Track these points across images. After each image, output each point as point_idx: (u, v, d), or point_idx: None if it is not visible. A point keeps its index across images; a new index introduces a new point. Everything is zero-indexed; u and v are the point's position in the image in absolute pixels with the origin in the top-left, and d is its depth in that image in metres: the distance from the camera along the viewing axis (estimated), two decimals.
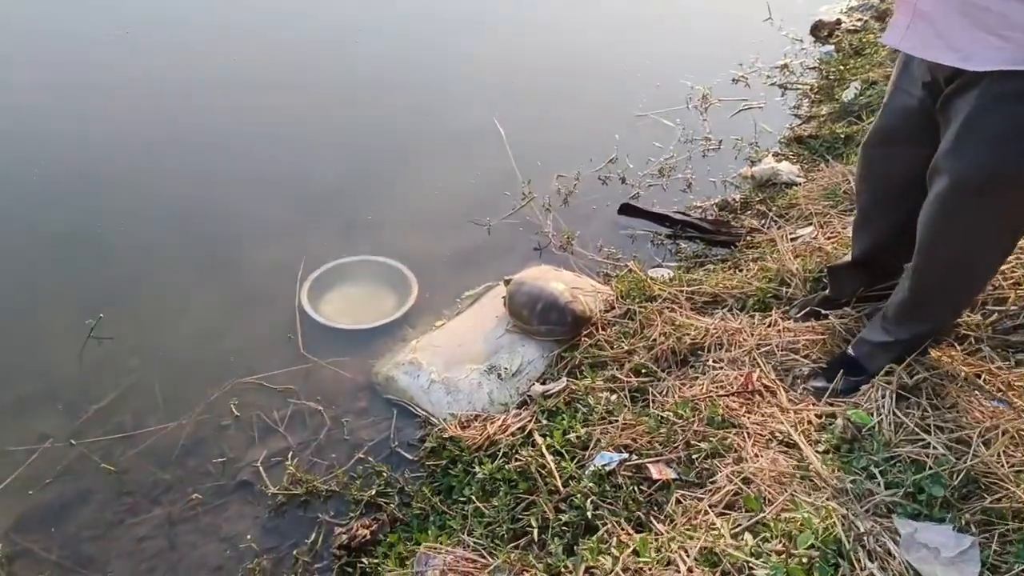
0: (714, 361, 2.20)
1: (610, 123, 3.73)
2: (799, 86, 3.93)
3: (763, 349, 2.19)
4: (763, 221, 3.02)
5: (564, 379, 2.27)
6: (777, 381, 2.08)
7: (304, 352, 2.58)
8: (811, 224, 2.85)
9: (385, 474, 2.17)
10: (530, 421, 2.16)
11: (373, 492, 2.11)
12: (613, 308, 2.56)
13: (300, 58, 4.34)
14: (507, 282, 2.59)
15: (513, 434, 2.13)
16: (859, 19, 4.41)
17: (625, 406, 2.12)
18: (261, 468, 2.22)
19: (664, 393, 2.14)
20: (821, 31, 4.37)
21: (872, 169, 1.87)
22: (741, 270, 2.68)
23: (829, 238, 2.63)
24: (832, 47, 4.16)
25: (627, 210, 3.16)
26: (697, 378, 2.17)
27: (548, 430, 2.11)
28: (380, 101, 3.94)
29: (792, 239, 2.79)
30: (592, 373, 2.28)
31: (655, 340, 2.29)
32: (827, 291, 2.27)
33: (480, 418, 2.24)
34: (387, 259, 2.94)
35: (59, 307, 2.74)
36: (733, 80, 4.04)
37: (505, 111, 3.75)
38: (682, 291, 2.52)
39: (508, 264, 2.95)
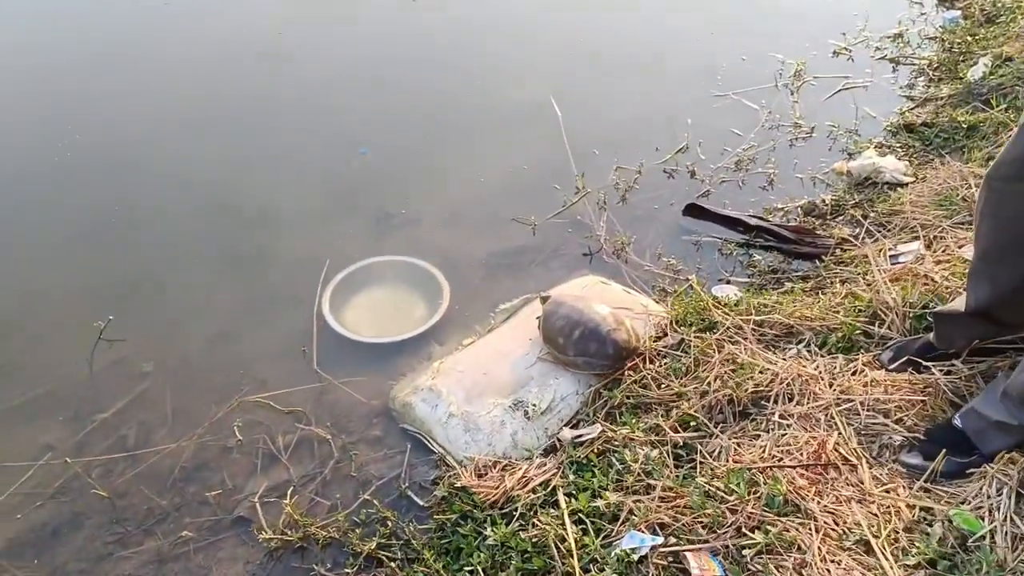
0: (781, 416, 1.85)
1: (683, 104, 3.32)
2: (915, 61, 3.38)
3: (844, 406, 1.82)
4: (857, 230, 2.58)
5: (599, 426, 1.97)
6: (859, 451, 1.72)
7: (317, 369, 2.37)
8: (917, 239, 2.40)
9: (391, 522, 1.95)
10: (555, 475, 1.88)
11: (374, 545, 1.89)
12: (665, 335, 2.23)
13: (341, 28, 4.08)
14: (544, 299, 2.29)
15: (534, 490, 1.86)
16: None
17: (666, 467, 1.81)
18: (258, 505, 2.04)
19: (715, 454, 1.81)
20: None
21: (1001, 208, 1.46)
22: (824, 294, 2.28)
23: (939, 261, 2.19)
24: (959, 12, 3.56)
25: (693, 211, 2.78)
26: (758, 436, 1.83)
27: (574, 489, 1.82)
28: (422, 76, 3.65)
29: (892, 257, 2.35)
30: (632, 418, 1.97)
31: (709, 384, 1.95)
32: (931, 336, 1.86)
33: (499, 465, 1.98)
34: (419, 261, 2.69)
35: (71, 302, 2.64)
36: (833, 53, 3.53)
37: (563, 87, 3.40)
38: (748, 320, 2.16)
39: (553, 272, 2.65)
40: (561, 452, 1.97)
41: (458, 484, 1.94)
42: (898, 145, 2.94)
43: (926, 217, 2.46)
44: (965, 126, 2.84)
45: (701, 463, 1.79)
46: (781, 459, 1.73)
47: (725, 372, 1.99)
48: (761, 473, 1.70)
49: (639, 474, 1.80)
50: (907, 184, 2.72)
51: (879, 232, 2.52)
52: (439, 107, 3.46)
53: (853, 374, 1.91)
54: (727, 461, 1.78)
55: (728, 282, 2.52)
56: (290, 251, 2.80)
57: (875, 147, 2.92)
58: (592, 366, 2.12)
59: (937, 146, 2.87)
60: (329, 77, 3.70)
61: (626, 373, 2.13)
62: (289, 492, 2.05)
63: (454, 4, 4.28)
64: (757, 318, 2.17)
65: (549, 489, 1.85)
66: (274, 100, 3.56)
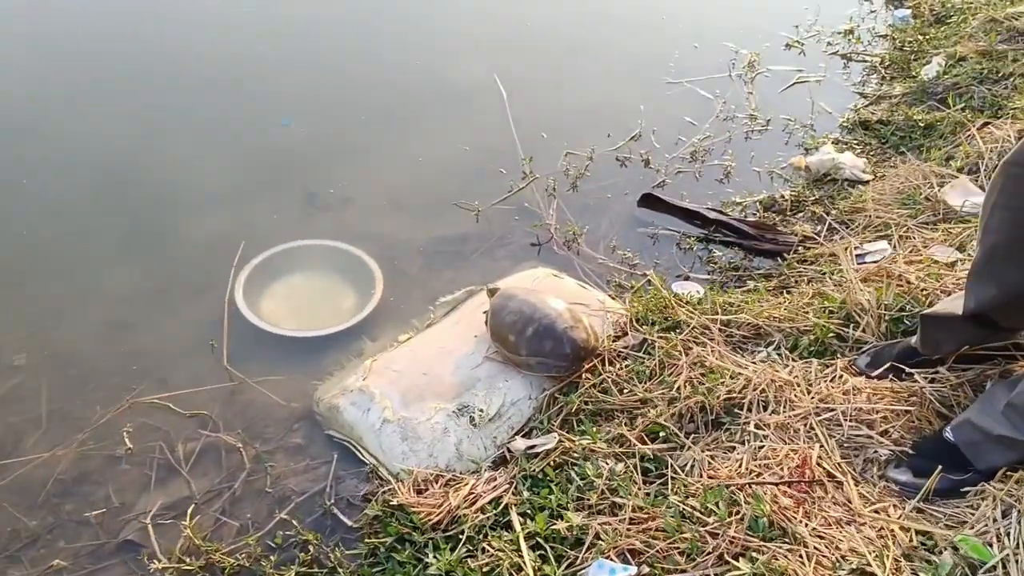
0: (757, 426, 1.70)
1: (635, 90, 3.16)
2: (866, 57, 3.33)
3: (824, 416, 1.68)
4: (819, 228, 2.48)
5: (556, 434, 1.76)
6: (844, 466, 1.57)
7: (228, 366, 2.07)
8: (883, 238, 2.30)
9: (313, 547, 1.68)
10: (507, 491, 1.66)
11: (293, 574, 1.62)
12: (626, 335, 2.04)
13: None
14: (491, 292, 2.07)
15: (483, 509, 1.63)
16: None
17: (634, 483, 1.61)
18: (151, 527, 1.73)
19: (688, 469, 1.64)
20: None
21: (1017, 197, 1.33)
22: (791, 293, 2.15)
23: (911, 262, 2.09)
24: (909, 11, 3.55)
25: (649, 201, 2.61)
26: (733, 448, 1.67)
27: (529, 508, 1.61)
28: (355, 46, 3.37)
29: (858, 256, 2.25)
30: (593, 427, 1.77)
31: (679, 390, 1.77)
32: (913, 340, 1.74)
33: (442, 479, 1.74)
34: (349, 246, 2.41)
35: None
36: (786, 46, 3.45)
37: (508, 67, 3.18)
38: (715, 319, 2.00)
39: (498, 262, 2.43)
40: (513, 465, 1.76)
41: (394, 501, 1.69)
42: (855, 142, 2.87)
43: (890, 216, 2.38)
44: (922, 125, 2.79)
45: (673, 479, 1.61)
46: (761, 474, 1.57)
47: (694, 376, 1.82)
48: (740, 491, 1.54)
49: (603, 491, 1.60)
50: (867, 182, 2.64)
51: (842, 230, 2.42)
52: (374, 80, 3.18)
53: (831, 380, 1.78)
54: (702, 476, 1.60)
55: (687, 278, 2.36)
56: (200, 231, 2.48)
57: (832, 142, 2.83)
58: (547, 367, 1.91)
59: (894, 144, 2.81)
60: (252, 41, 3.35)
61: (584, 376, 1.93)
62: (189, 511, 1.75)
63: None
64: (724, 318, 2.02)
65: (501, 508, 1.63)
66: (188, 63, 3.19)
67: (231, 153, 2.78)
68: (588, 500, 1.60)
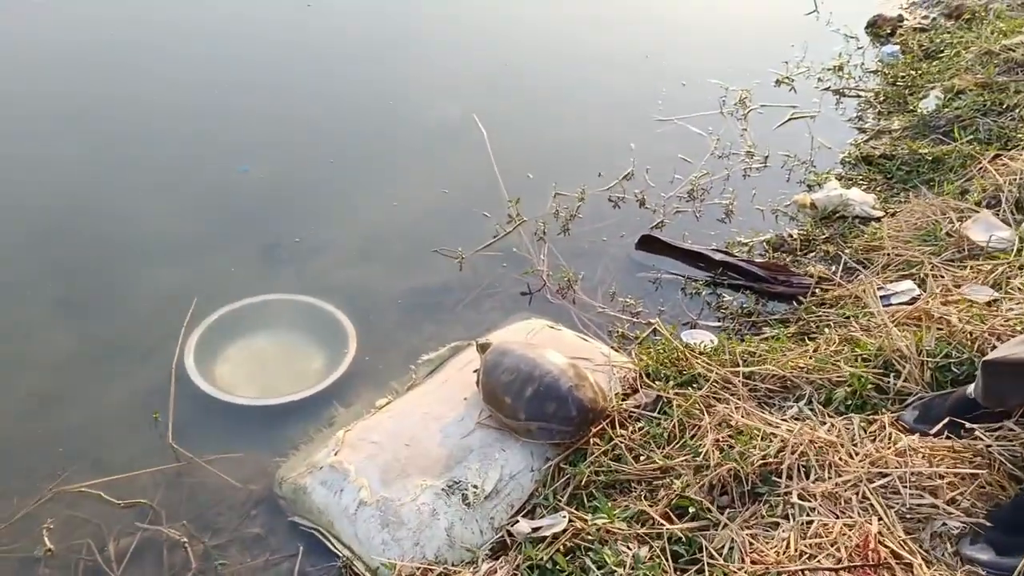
0: (801, 496, 1.46)
1: (624, 128, 3.01)
2: (860, 93, 3.24)
3: (878, 482, 1.45)
4: (834, 268, 2.30)
5: (564, 513, 1.50)
6: (909, 543, 1.33)
7: (173, 443, 1.78)
8: (909, 277, 2.12)
9: None
10: None
11: None
12: (636, 392, 1.81)
13: (231, 27, 3.56)
14: (482, 348, 1.83)
15: None
16: (924, 16, 3.74)
17: (664, 571, 1.35)
18: None
19: (726, 551, 1.39)
20: (881, 28, 3.71)
21: None
22: (814, 339, 1.95)
23: (947, 301, 1.90)
24: (896, 47, 3.48)
25: (648, 243, 2.42)
26: (777, 524, 1.42)
27: None
28: (322, 89, 3.18)
29: (882, 297, 2.06)
30: (608, 502, 1.51)
31: (706, 457, 1.54)
32: (969, 389, 1.53)
33: (431, 573, 1.46)
34: (316, 300, 2.17)
35: None
36: (776, 82, 3.34)
37: (489, 109, 3.02)
38: (736, 372, 1.78)
39: (485, 314, 2.21)
40: (515, 552, 1.49)
41: None
42: (859, 177, 2.73)
43: (911, 253, 2.21)
44: (929, 158, 2.66)
45: (710, 565, 1.36)
46: (814, 556, 1.32)
47: (721, 439, 1.58)
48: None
49: None
50: (878, 218, 2.47)
51: (861, 270, 2.24)
52: (342, 123, 2.99)
53: (878, 439, 1.55)
54: (744, 561, 1.35)
55: (695, 326, 2.15)
56: (147, 287, 2.23)
57: (836, 178, 2.68)
58: (550, 433, 1.66)
59: (901, 179, 2.67)
60: (210, 83, 3.15)
61: (592, 442, 1.68)
62: None
63: (358, 9, 3.84)
64: (746, 369, 1.80)
65: None
66: (140, 104, 2.97)
67: (185, 203, 2.55)
68: None
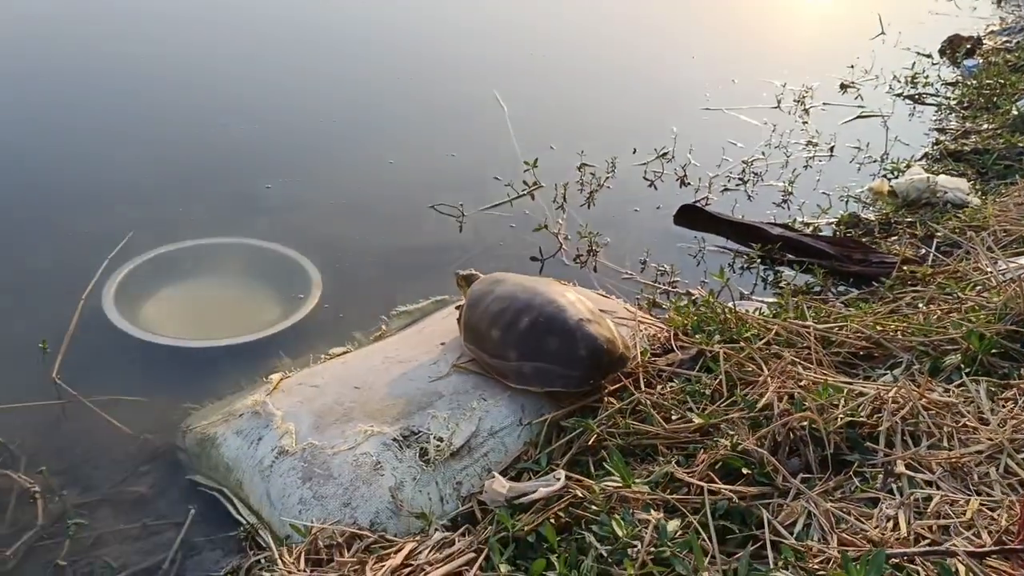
0: (910, 466, 1.00)
1: (665, 114, 2.70)
2: (941, 99, 2.89)
3: None
4: (922, 250, 1.87)
5: (561, 474, 1.06)
6: None
7: (57, 378, 1.40)
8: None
9: None
10: (470, 563, 0.94)
11: None
12: (672, 351, 1.38)
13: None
14: (466, 280, 1.44)
15: None
16: (1005, 41, 3.44)
17: (703, 551, 0.90)
18: None
19: (797, 527, 0.93)
20: (958, 48, 3.40)
21: None
22: (912, 310, 1.51)
23: None
24: (979, 60, 3.16)
25: (689, 216, 2.04)
26: (877, 501, 0.96)
27: None
28: (343, 59, 2.98)
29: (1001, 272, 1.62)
30: (623, 466, 1.06)
31: (768, 408, 1.10)
32: None
33: (359, 544, 1.02)
34: (277, 245, 1.82)
35: None
36: (840, 86, 3.02)
37: (517, 91, 2.75)
38: (808, 328, 1.35)
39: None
40: (485, 525, 1.04)
41: None
42: (944, 171, 2.33)
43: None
44: None
45: (775, 543, 0.90)
46: (938, 542, 0.86)
47: (786, 393, 1.14)
48: (911, 563, 0.83)
49: (645, 563, 0.89)
50: (973, 204, 2.06)
51: (958, 252, 1.82)
52: (351, 91, 2.74)
53: (1016, 406, 1.10)
54: (827, 542, 0.89)
55: (749, 299, 1.73)
56: (94, 225, 1.89)
57: (921, 168, 2.30)
58: (549, 378, 1.24)
59: (998, 172, 2.28)
60: (212, 40, 2.97)
61: (606, 400, 1.25)
62: None
63: None
64: (820, 326, 1.36)
65: None
66: (143, 61, 2.78)
67: (159, 152, 2.26)
68: None
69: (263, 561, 1.04)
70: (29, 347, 1.49)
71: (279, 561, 1.00)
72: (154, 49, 2.86)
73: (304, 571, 0.99)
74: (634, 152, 2.37)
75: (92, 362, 1.47)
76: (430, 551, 0.99)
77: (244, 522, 1.15)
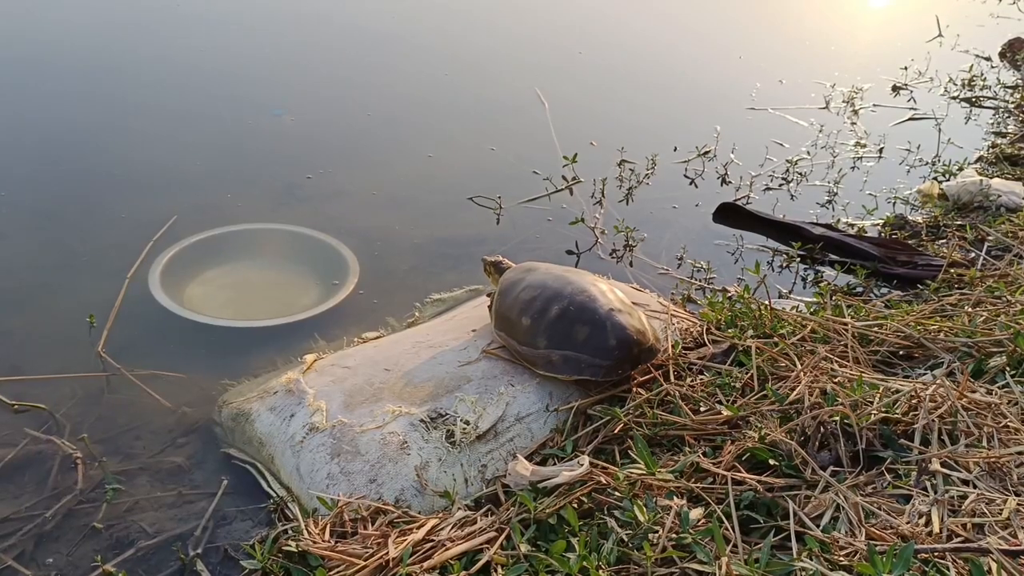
0: (946, 464, 0.98)
1: (709, 114, 2.67)
2: (999, 102, 2.80)
3: None
4: (971, 254, 1.82)
5: (586, 460, 1.06)
6: None
7: (102, 352, 1.45)
8: None
9: None
10: (490, 542, 0.95)
11: None
12: (704, 345, 1.37)
13: None
14: (496, 267, 1.45)
15: (445, 568, 0.92)
16: None
17: (726, 540, 0.90)
18: None
19: (825, 519, 0.91)
20: (1019, 51, 3.30)
21: None
22: (958, 312, 1.47)
23: None
24: None
25: (729, 214, 2.02)
26: (909, 497, 0.94)
27: (530, 571, 0.89)
28: (385, 54, 3.00)
29: None
30: (647, 453, 1.06)
31: (799, 400, 1.08)
32: None
33: (384, 518, 1.04)
34: (316, 232, 1.86)
35: None
36: (892, 88, 2.95)
37: (559, 90, 2.75)
38: (846, 325, 1.32)
39: None
40: (508, 506, 1.05)
41: (294, 547, 0.99)
42: (998, 174, 2.26)
43: None
44: None
45: (800, 534, 0.89)
46: (970, 540, 0.84)
47: (820, 387, 1.12)
48: (940, 559, 0.81)
49: (665, 548, 0.88)
50: None
51: (1010, 256, 1.76)
52: (391, 85, 2.76)
53: None
54: (855, 534, 0.88)
55: (788, 297, 1.70)
56: (142, 210, 1.95)
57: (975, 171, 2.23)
58: (577, 366, 1.24)
59: None
60: (260, 34, 3.05)
61: (634, 391, 1.24)
62: None
63: None
64: (859, 323, 1.34)
65: (476, 569, 0.91)
66: (193, 49, 2.86)
67: (210, 142, 2.32)
68: (637, 564, 0.88)
69: (290, 531, 1.06)
70: (78, 321, 1.55)
71: (305, 531, 1.03)
72: (212, 42, 2.95)
73: (329, 542, 1.01)
74: (675, 150, 2.36)
75: (136, 338, 1.52)
76: (452, 528, 1.00)
77: (274, 495, 1.18)
